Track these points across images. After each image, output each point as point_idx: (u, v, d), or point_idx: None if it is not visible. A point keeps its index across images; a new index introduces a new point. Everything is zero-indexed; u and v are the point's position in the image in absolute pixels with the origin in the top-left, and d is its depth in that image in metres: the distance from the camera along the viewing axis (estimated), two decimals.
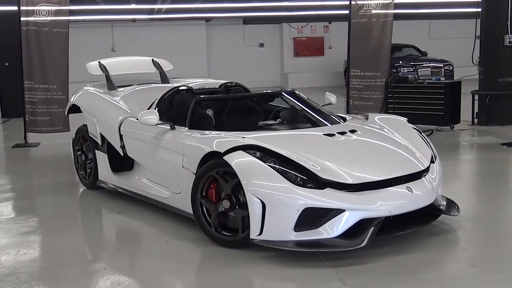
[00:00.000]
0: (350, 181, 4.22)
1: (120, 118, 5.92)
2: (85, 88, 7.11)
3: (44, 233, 5.16)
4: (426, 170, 4.67)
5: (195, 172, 4.67)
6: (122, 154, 5.90)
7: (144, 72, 7.64)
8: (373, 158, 4.67)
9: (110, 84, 6.88)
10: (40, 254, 4.58)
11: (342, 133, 4.90)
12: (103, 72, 7.11)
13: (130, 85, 6.90)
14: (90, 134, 6.40)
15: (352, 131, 4.97)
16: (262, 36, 22.46)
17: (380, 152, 4.82)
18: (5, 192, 6.64)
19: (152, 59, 7.76)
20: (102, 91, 6.76)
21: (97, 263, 4.39)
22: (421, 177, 4.59)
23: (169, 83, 7.25)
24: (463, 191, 6.08)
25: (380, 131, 5.17)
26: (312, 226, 4.11)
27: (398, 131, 5.17)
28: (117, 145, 5.93)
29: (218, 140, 4.62)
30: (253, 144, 4.45)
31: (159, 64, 7.66)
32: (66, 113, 7.64)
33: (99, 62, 7.31)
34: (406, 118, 5.57)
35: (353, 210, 4.12)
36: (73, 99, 7.11)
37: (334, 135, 4.84)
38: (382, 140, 4.99)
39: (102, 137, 6.17)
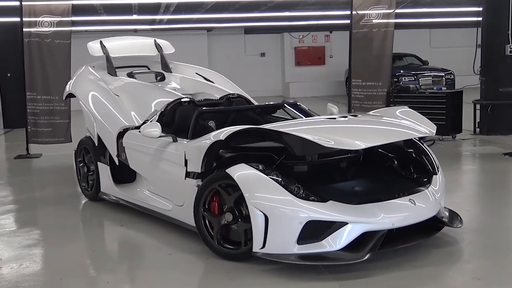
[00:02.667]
0: (363, 146, 4.29)
1: (120, 127, 5.92)
2: (83, 71, 7.01)
3: (46, 245, 5.15)
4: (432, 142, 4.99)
5: (200, 172, 4.66)
6: (117, 163, 5.91)
7: (145, 55, 7.64)
8: (378, 128, 4.92)
9: (110, 66, 6.86)
10: (42, 268, 4.56)
11: (344, 117, 5.17)
12: (104, 53, 7.06)
13: (129, 66, 6.93)
14: (87, 131, 6.38)
15: (353, 116, 5.32)
16: (263, 45, 22.51)
17: (383, 125, 5.00)
18: (7, 204, 6.63)
19: (155, 40, 7.77)
20: (99, 77, 6.70)
21: (100, 276, 4.39)
22: (424, 188, 4.62)
23: (169, 67, 7.35)
24: (465, 202, 6.07)
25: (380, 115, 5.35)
26: (315, 239, 4.10)
27: (400, 114, 5.28)
28: (113, 153, 5.93)
29: (224, 132, 4.58)
30: (253, 129, 4.56)
31: (160, 47, 7.66)
32: (64, 99, 7.57)
33: (101, 41, 7.27)
34: (407, 106, 5.72)
35: (356, 223, 4.11)
36: (69, 87, 7.06)
37: (335, 118, 5.08)
38: (384, 119, 5.16)
39: (99, 138, 6.17)
